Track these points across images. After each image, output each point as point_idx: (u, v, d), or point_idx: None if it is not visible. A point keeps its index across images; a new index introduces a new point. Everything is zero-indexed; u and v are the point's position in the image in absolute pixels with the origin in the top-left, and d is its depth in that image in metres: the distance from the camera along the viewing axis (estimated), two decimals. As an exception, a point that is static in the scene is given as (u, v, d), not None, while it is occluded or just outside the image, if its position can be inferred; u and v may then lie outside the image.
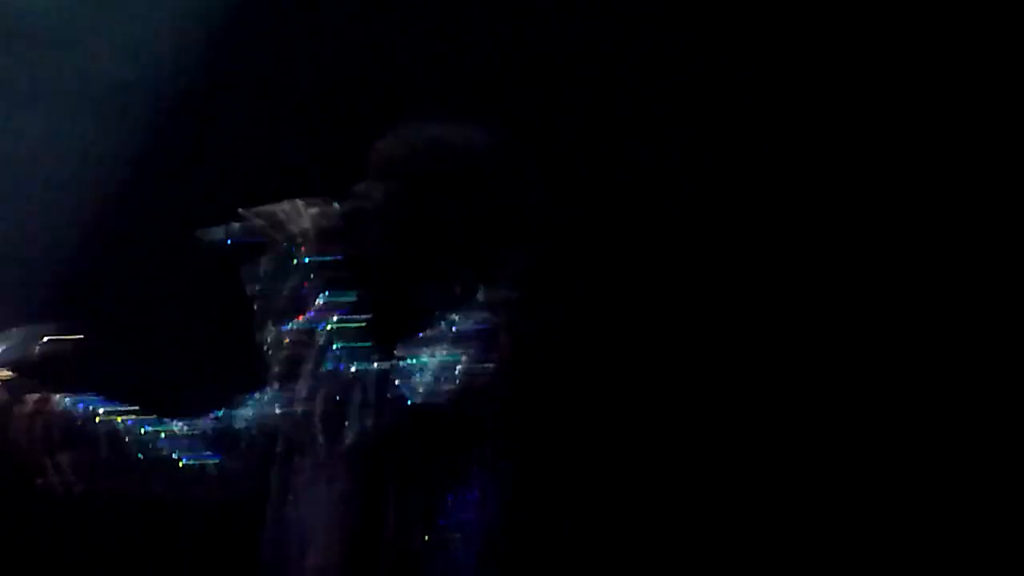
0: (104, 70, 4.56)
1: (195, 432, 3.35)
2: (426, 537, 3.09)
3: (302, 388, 3.08)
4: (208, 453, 3.34)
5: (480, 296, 3.18)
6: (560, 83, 4.66)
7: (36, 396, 3.27)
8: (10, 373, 3.26)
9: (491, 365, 3.15)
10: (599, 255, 4.60)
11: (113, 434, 3.29)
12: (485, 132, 3.33)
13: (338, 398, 3.05)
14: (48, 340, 3.27)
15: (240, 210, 3.20)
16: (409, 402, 3.05)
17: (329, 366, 3.07)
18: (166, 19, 4.60)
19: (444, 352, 3.10)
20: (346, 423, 3.05)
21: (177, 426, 3.35)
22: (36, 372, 3.27)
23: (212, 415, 3.37)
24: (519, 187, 3.32)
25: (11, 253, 4.58)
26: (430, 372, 3.08)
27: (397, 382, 3.05)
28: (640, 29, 4.62)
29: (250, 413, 3.35)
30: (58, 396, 3.28)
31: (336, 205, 3.23)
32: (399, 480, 3.10)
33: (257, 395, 3.36)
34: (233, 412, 3.37)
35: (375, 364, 3.08)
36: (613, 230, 4.64)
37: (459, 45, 4.70)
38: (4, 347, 3.28)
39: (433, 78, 4.65)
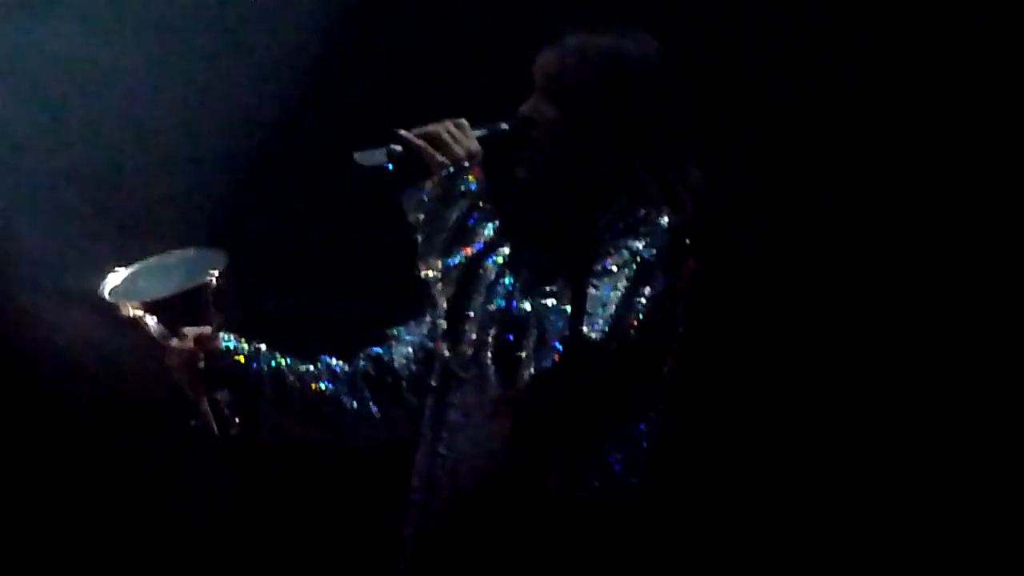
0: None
1: (356, 372, 3.16)
2: (593, 476, 2.88)
3: (471, 326, 2.83)
4: (368, 395, 3.14)
5: (664, 220, 2.91)
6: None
7: (198, 331, 3.06)
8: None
9: (677, 294, 2.90)
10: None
11: (275, 374, 3.11)
12: (655, 40, 3.05)
13: (512, 337, 2.80)
14: (209, 273, 3.04)
15: (401, 131, 2.94)
16: (590, 339, 2.78)
17: (501, 302, 2.82)
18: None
19: (627, 282, 2.85)
20: (521, 363, 2.79)
21: (338, 366, 3.16)
22: (197, 305, 3.05)
23: (372, 352, 3.18)
24: (692, 98, 3.04)
25: (164, 182, 4.42)
26: (613, 305, 2.83)
27: (576, 317, 2.78)
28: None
29: (411, 351, 3.16)
30: (221, 332, 3.08)
31: (504, 125, 2.99)
32: (567, 417, 2.82)
33: (417, 330, 3.16)
34: (394, 350, 3.17)
35: (551, 299, 2.83)
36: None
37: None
38: (166, 275, 3.09)
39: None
